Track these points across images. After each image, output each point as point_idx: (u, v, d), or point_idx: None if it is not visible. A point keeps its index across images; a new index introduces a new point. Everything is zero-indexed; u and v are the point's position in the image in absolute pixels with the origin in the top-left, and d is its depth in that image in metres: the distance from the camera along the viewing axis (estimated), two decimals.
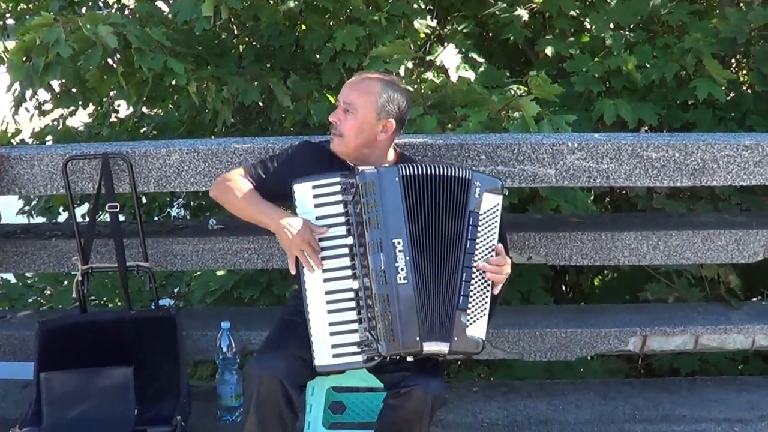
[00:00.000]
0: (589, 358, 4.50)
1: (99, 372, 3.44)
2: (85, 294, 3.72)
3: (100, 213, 4.18)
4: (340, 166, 3.11)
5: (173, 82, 4.60)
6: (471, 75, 4.91)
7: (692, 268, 4.20)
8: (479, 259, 2.93)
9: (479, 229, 2.93)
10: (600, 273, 5.71)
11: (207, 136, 5.41)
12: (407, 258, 2.86)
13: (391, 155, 3.23)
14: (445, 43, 5.08)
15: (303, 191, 2.98)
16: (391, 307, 2.85)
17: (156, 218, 6.14)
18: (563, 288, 5.91)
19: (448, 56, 5.00)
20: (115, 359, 3.51)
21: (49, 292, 5.56)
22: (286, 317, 3.24)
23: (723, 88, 4.52)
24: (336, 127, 3.13)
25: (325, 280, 2.96)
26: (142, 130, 5.68)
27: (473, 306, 2.91)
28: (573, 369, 4.57)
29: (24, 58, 4.34)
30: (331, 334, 2.95)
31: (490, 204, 2.96)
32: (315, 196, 2.97)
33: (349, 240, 2.93)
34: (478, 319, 2.92)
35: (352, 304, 2.94)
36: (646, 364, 5.18)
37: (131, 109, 5.97)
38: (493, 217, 2.97)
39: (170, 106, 5.70)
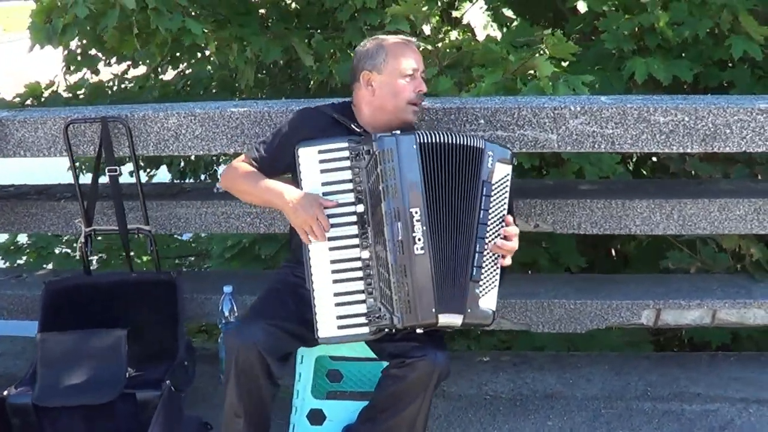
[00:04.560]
0: (613, 327, 4.35)
1: (93, 334, 3.43)
2: (88, 256, 3.73)
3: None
4: (344, 131, 3.04)
5: (194, 43, 4.56)
6: (498, 34, 4.77)
7: (717, 236, 4.01)
8: (491, 229, 2.86)
9: (492, 198, 2.86)
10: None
11: (235, 95, 5.38)
12: (424, 228, 2.78)
13: None
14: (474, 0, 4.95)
15: (308, 156, 2.89)
16: (407, 278, 2.77)
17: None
18: (606, 251, 5.72)
19: (477, 15, 4.87)
20: (115, 321, 3.51)
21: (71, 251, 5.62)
22: (272, 285, 3.18)
23: (760, 45, 4.28)
24: (422, 97, 3.10)
25: (331, 249, 2.89)
26: (171, 87, 5.64)
27: (485, 277, 2.86)
28: (594, 339, 4.43)
29: (45, 20, 4.37)
30: (337, 304, 2.88)
31: (501, 174, 2.89)
32: (321, 161, 2.88)
33: (360, 208, 2.85)
34: (489, 290, 2.87)
35: (360, 273, 2.87)
36: (677, 335, 5.00)
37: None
38: (504, 187, 2.90)
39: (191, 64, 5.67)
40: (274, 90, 5.92)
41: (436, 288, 2.78)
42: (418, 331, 2.82)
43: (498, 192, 2.88)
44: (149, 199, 3.83)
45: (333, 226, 2.87)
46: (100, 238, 4.41)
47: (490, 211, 2.85)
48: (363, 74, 3.09)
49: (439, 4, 4.79)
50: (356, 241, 2.85)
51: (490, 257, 2.87)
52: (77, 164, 3.81)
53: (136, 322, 3.54)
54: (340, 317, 2.87)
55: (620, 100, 3.40)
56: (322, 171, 2.88)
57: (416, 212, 2.77)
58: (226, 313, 3.72)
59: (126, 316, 3.58)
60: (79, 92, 5.35)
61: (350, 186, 2.86)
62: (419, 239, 2.76)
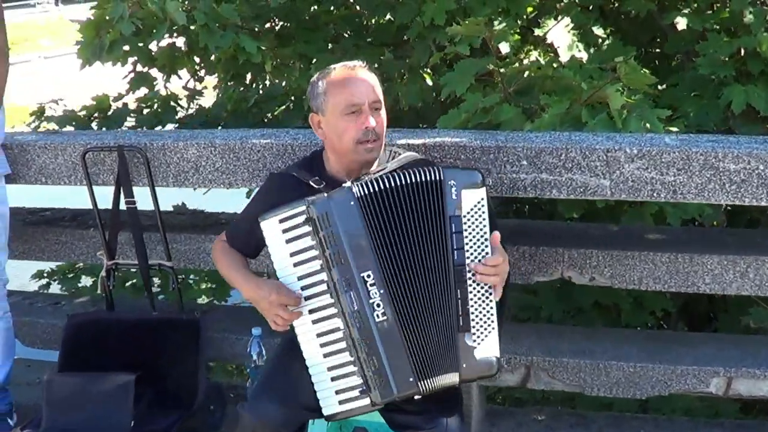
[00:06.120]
0: None
1: (101, 378, 3.26)
2: (110, 290, 3.53)
3: None
4: (309, 192, 2.69)
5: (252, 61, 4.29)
6: (585, 56, 4.33)
7: None
8: (477, 272, 2.48)
9: (465, 234, 2.48)
10: None
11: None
12: (381, 291, 2.48)
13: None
14: (559, 17, 4.52)
15: (271, 228, 2.58)
16: (374, 351, 2.50)
17: None
18: None
19: (561, 34, 4.44)
20: (133, 361, 3.35)
21: None
22: (287, 344, 2.88)
23: None
24: (375, 133, 2.67)
25: (314, 322, 2.59)
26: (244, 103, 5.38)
27: (478, 323, 2.50)
28: (670, 397, 3.95)
29: (95, 35, 4.21)
30: (332, 379, 2.59)
31: (472, 201, 2.49)
32: (284, 231, 2.56)
33: (325, 276, 2.54)
34: (486, 335, 2.50)
35: (344, 344, 2.57)
36: None
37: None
38: (480, 215, 2.49)
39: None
40: None
41: (413, 353, 2.49)
42: (416, 397, 2.54)
43: (473, 223, 2.48)
44: (178, 231, 3.63)
45: (311, 297, 2.56)
46: None
47: (466, 248, 2.48)
48: (311, 117, 2.78)
49: (519, 22, 4.38)
50: (334, 310, 2.54)
51: (481, 300, 2.49)
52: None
53: (154, 363, 3.39)
54: (338, 392, 2.58)
55: (685, 143, 2.96)
56: (288, 241, 2.56)
57: (368, 276, 2.47)
58: (254, 357, 3.48)
59: (145, 356, 3.42)
60: (149, 104, 5.14)
61: (317, 252, 2.54)
62: (378, 305, 2.47)
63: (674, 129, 3.64)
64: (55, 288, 5.50)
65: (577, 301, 4.41)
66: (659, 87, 4.10)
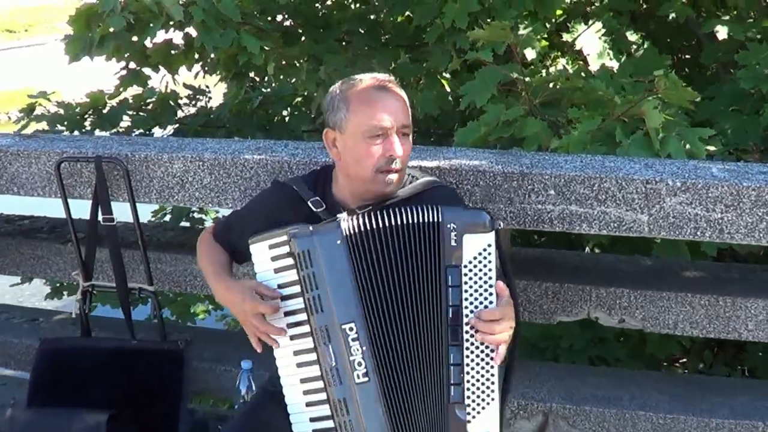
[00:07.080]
0: None
1: (71, 414, 2.92)
2: (86, 314, 3.20)
3: None
4: (306, 213, 2.38)
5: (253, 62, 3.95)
6: (616, 65, 3.97)
7: None
8: (471, 328, 2.15)
9: (466, 286, 2.14)
10: None
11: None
12: (364, 348, 2.15)
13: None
14: (590, 21, 4.14)
15: (260, 252, 2.26)
16: (351, 416, 2.17)
17: None
18: None
19: (591, 40, 4.07)
20: (108, 395, 3.02)
21: None
22: (261, 393, 2.61)
23: None
24: (399, 162, 2.32)
25: (299, 365, 2.26)
26: (247, 104, 5.04)
27: (474, 392, 2.16)
28: None
29: (86, 27, 3.88)
30: (314, 431, 2.26)
31: (476, 248, 2.14)
32: (273, 258, 2.24)
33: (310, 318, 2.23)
34: (484, 407, 2.17)
35: (326, 395, 2.25)
36: None
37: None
38: (485, 265, 2.15)
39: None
40: None
41: (395, 424, 2.16)
42: None
43: (476, 275, 2.14)
44: (164, 250, 3.30)
45: (297, 337, 2.24)
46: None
47: (466, 303, 2.13)
48: (326, 133, 2.40)
49: (547, 26, 4.02)
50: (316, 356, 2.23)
51: (479, 364, 2.15)
52: None
53: (133, 396, 3.05)
54: None
55: (734, 175, 2.60)
56: (276, 270, 2.24)
57: (350, 328, 2.15)
58: (243, 392, 3.15)
59: (122, 389, 3.08)
60: (149, 100, 4.80)
61: (299, 290, 2.22)
62: (359, 363, 2.15)
63: (711, 148, 3.29)
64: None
65: (601, 331, 4.07)
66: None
